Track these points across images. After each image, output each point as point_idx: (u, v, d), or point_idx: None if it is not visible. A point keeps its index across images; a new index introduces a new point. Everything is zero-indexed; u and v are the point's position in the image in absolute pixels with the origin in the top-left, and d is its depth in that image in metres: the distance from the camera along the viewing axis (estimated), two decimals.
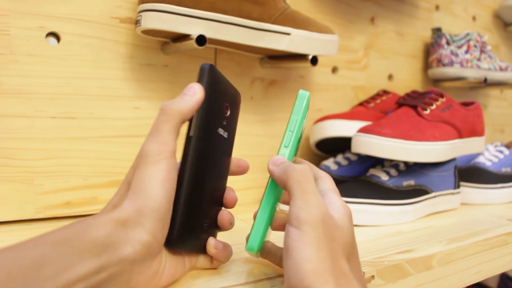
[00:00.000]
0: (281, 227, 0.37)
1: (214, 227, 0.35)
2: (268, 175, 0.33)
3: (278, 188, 0.33)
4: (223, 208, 0.37)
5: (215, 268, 0.36)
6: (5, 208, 0.46)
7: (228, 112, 0.36)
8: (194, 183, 0.31)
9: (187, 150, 0.31)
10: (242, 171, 0.38)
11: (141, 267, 0.28)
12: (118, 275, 0.26)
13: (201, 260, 0.35)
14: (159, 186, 0.28)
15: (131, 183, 0.30)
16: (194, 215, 0.32)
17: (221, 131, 0.34)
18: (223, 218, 0.35)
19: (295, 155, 0.36)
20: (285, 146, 0.33)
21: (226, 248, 0.35)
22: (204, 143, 0.32)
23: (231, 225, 0.36)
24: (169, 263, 0.31)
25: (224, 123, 0.35)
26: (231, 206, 0.37)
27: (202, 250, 0.34)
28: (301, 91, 0.34)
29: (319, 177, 0.34)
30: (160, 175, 0.29)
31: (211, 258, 0.35)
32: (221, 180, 0.36)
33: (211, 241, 0.34)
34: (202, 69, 0.33)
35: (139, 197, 0.28)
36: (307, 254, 0.26)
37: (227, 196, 0.36)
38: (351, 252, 0.30)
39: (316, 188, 0.29)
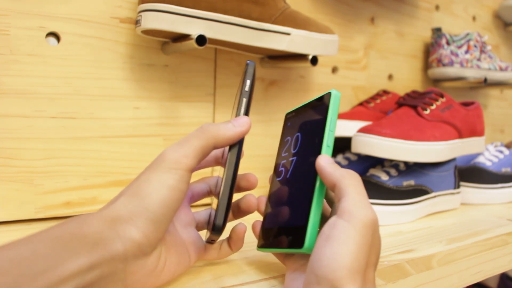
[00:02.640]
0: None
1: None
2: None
3: (324, 187, 0.32)
4: (248, 193, 0.37)
5: (221, 258, 0.37)
6: (5, 208, 0.46)
7: None
8: (234, 179, 0.32)
9: (237, 147, 0.32)
10: (251, 185, 0.37)
11: (135, 266, 0.28)
12: (111, 274, 0.26)
13: (209, 250, 0.35)
14: (162, 191, 0.28)
15: (133, 182, 0.30)
16: (229, 205, 0.33)
17: None
18: (250, 201, 0.36)
19: None
20: (328, 146, 0.32)
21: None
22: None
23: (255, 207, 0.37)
24: (169, 261, 0.31)
25: None
26: (254, 186, 0.37)
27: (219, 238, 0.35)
28: (334, 91, 0.33)
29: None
30: (168, 182, 0.29)
31: (219, 248, 0.36)
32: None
33: (242, 227, 0.35)
34: (249, 66, 0.34)
35: (136, 197, 0.28)
36: (349, 248, 0.26)
37: (250, 178, 0.37)
38: (376, 261, 0.30)
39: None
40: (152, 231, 0.28)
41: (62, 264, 0.23)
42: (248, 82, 0.33)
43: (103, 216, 0.27)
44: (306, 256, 0.31)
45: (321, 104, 0.34)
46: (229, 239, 0.36)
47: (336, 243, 0.26)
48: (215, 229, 0.32)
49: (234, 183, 0.32)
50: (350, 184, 0.29)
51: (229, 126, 0.32)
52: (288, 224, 0.32)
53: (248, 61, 0.34)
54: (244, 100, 0.33)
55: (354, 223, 0.27)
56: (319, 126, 0.33)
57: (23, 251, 0.23)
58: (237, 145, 0.33)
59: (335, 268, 0.26)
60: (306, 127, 0.36)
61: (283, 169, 0.37)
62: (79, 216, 0.27)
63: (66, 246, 0.24)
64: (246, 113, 0.33)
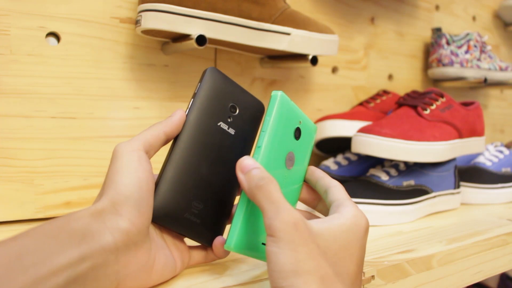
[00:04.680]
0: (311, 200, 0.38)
1: (218, 218, 0.36)
2: None
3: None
4: None
5: (209, 262, 0.37)
6: (5, 208, 0.46)
7: (237, 112, 0.37)
8: (180, 158, 0.33)
9: (182, 129, 0.34)
10: None
11: (127, 258, 0.28)
12: (102, 265, 0.26)
13: (195, 255, 0.35)
14: (129, 175, 0.30)
15: (105, 179, 0.31)
16: (178, 190, 0.33)
17: (223, 125, 0.36)
18: None
19: (291, 162, 0.35)
20: (258, 147, 0.32)
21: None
22: (199, 126, 0.34)
23: None
24: (158, 260, 0.31)
25: (229, 120, 0.36)
26: None
27: (190, 233, 0.34)
28: (273, 92, 0.34)
29: (332, 185, 0.34)
30: (130, 164, 0.30)
31: (205, 253, 0.36)
32: (231, 177, 0.36)
33: (219, 239, 0.35)
34: (203, 71, 0.36)
35: (111, 188, 0.29)
36: (285, 256, 0.27)
37: None
38: (338, 257, 0.29)
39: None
40: (137, 217, 0.29)
41: (52, 258, 0.24)
42: (198, 85, 0.36)
43: (89, 212, 0.28)
44: None
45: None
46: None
47: (273, 257, 0.27)
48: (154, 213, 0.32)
49: (188, 156, 0.34)
50: (261, 198, 0.29)
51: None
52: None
53: (207, 68, 0.36)
54: (191, 101, 0.35)
55: (278, 234, 0.27)
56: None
57: (12, 247, 0.23)
58: (179, 134, 0.34)
59: (284, 277, 0.26)
60: None
61: None
62: (66, 214, 0.27)
63: (55, 240, 0.25)
64: (190, 111, 0.35)
